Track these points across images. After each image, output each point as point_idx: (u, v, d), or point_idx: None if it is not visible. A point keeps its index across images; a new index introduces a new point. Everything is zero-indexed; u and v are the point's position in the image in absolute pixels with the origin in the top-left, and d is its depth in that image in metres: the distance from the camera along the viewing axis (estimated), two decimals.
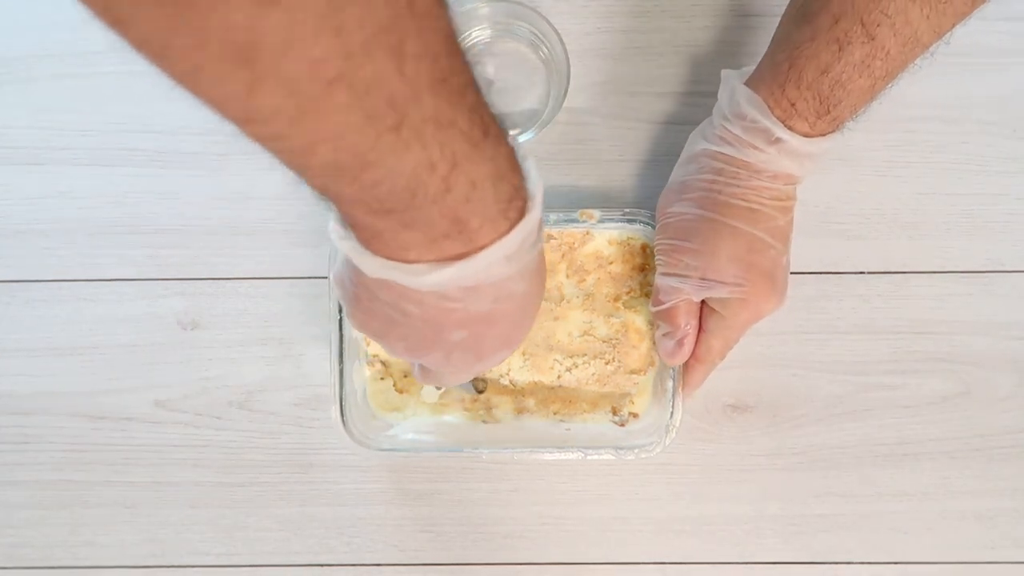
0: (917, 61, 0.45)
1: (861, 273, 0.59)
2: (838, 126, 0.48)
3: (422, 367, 0.44)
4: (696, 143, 0.52)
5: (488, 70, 0.58)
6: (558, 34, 0.54)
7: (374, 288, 0.36)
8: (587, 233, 0.57)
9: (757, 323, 0.52)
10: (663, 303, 0.52)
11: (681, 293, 0.51)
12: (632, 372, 0.57)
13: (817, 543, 0.59)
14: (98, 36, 0.63)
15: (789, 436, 0.59)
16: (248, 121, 0.26)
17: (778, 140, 0.47)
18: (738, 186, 0.49)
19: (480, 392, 0.57)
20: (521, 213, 0.33)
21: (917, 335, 0.59)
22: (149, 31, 0.22)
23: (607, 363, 0.57)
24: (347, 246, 0.33)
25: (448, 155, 0.29)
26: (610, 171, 0.59)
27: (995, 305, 0.59)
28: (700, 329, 0.52)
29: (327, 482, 0.60)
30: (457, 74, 0.28)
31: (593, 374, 0.57)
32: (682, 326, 0.52)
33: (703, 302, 0.52)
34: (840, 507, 0.59)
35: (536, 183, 0.34)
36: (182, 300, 0.59)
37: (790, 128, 0.47)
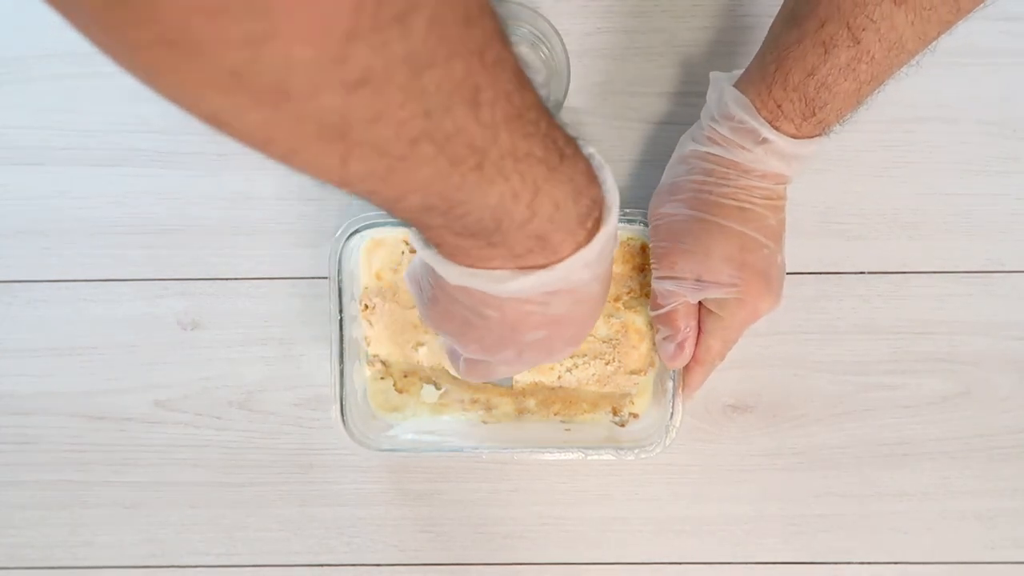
0: (903, 69, 0.46)
1: (861, 273, 0.59)
2: (824, 129, 0.48)
3: (468, 362, 0.45)
4: (685, 145, 0.52)
5: None
6: (558, 34, 0.54)
7: (453, 292, 0.37)
8: None
9: (755, 323, 0.52)
10: (661, 307, 0.52)
11: (678, 296, 0.51)
12: (632, 372, 0.57)
13: (817, 543, 0.59)
14: None
15: (789, 436, 0.59)
16: (343, 184, 0.27)
17: (765, 140, 0.47)
18: (727, 186, 0.49)
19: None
20: (598, 222, 0.34)
21: (917, 335, 0.59)
22: (251, 128, 0.24)
23: (607, 363, 0.57)
24: (428, 255, 0.35)
25: (530, 183, 0.30)
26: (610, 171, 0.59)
27: (995, 305, 0.59)
28: (699, 330, 0.53)
29: (327, 482, 0.60)
30: (529, 107, 0.29)
31: (593, 374, 0.57)
32: (681, 329, 0.52)
33: (700, 303, 0.52)
34: (840, 507, 0.59)
35: (612, 191, 0.35)
36: (182, 300, 0.59)
37: (777, 129, 0.47)
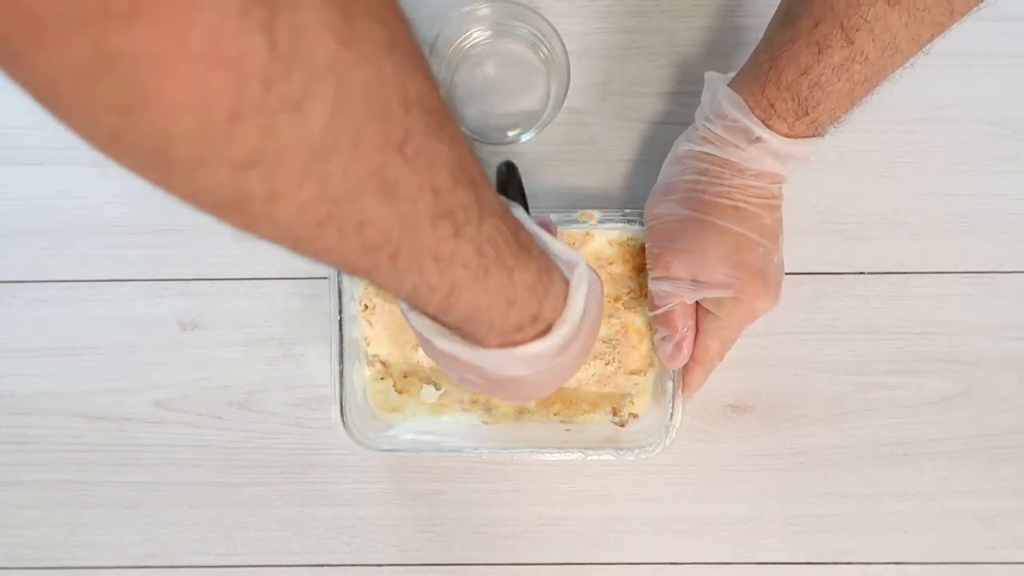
0: (898, 71, 0.46)
1: (861, 273, 0.59)
2: (818, 129, 0.48)
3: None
4: (680, 145, 0.52)
5: (488, 70, 0.58)
6: (558, 34, 0.54)
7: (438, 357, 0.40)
8: (587, 234, 0.57)
9: (754, 323, 0.52)
10: (658, 307, 0.52)
11: (674, 296, 0.51)
12: (632, 373, 0.57)
13: (817, 543, 0.59)
14: None
15: (789, 436, 0.59)
16: (261, 239, 0.28)
17: (758, 139, 0.47)
18: (722, 185, 0.49)
19: None
20: (543, 333, 0.36)
21: (917, 335, 0.59)
22: (154, 182, 0.25)
23: (607, 364, 0.57)
24: (422, 326, 0.36)
25: (447, 282, 0.30)
26: (610, 171, 0.59)
27: (995, 305, 0.59)
28: (697, 331, 0.53)
29: (327, 482, 0.60)
30: (465, 208, 0.29)
31: (593, 375, 0.57)
32: (679, 329, 0.52)
33: (698, 303, 0.52)
34: (840, 507, 0.59)
35: (575, 309, 0.37)
36: (182, 300, 0.59)
37: (770, 128, 0.47)
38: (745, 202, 0.49)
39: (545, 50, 0.57)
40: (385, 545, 0.60)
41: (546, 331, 0.36)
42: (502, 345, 0.35)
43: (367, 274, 0.30)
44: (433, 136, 0.26)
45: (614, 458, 0.55)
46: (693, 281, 0.50)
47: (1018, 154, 0.59)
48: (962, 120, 0.59)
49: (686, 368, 0.54)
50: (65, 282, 0.60)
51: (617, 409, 0.57)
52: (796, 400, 0.59)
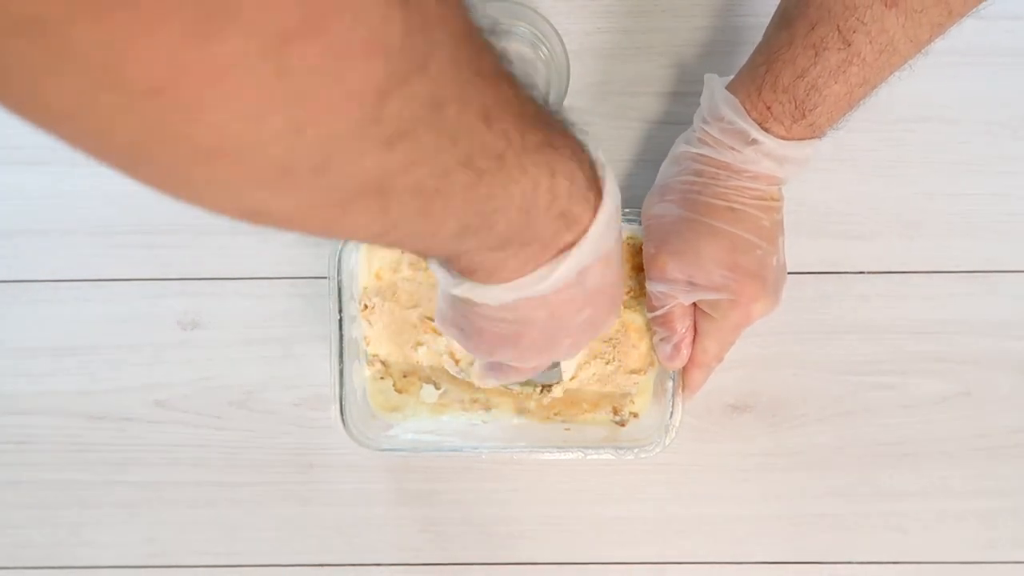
0: (896, 73, 0.46)
1: (861, 273, 0.59)
2: (816, 132, 0.48)
3: (496, 366, 0.47)
4: (677, 146, 0.52)
5: None
6: (558, 34, 0.54)
7: (497, 314, 0.37)
8: None
9: (755, 324, 0.52)
10: (656, 309, 0.52)
11: (671, 298, 0.51)
12: (632, 372, 0.57)
13: (817, 543, 0.59)
14: None
15: (789, 436, 0.59)
16: (384, 235, 0.28)
17: (754, 141, 0.47)
18: (718, 186, 0.49)
19: (550, 385, 0.57)
20: (600, 182, 0.35)
21: (917, 335, 0.59)
22: (289, 214, 0.25)
23: (607, 363, 0.57)
24: (465, 289, 0.35)
25: (545, 169, 0.31)
26: None
27: (995, 305, 0.59)
28: (695, 332, 0.53)
29: (327, 482, 0.60)
30: (523, 101, 0.29)
31: (593, 374, 0.57)
32: (677, 330, 0.52)
33: (695, 304, 0.52)
34: (840, 507, 0.59)
35: (597, 149, 0.35)
36: (182, 300, 0.59)
37: (767, 130, 0.47)
38: (741, 204, 0.49)
39: (545, 49, 0.57)
40: (385, 545, 0.60)
41: (600, 178, 0.35)
42: (592, 216, 0.34)
43: (484, 207, 0.29)
44: (488, 47, 0.27)
45: (614, 457, 0.55)
46: (689, 283, 0.50)
47: (1019, 154, 0.59)
48: (962, 120, 0.59)
49: (685, 369, 0.54)
50: (65, 282, 0.60)
51: (617, 408, 0.57)
52: (796, 400, 0.59)
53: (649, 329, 0.56)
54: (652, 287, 0.52)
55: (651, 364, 0.57)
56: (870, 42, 0.43)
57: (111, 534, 0.60)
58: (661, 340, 0.53)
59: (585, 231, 0.34)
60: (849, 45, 0.43)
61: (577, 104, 0.58)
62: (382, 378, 0.58)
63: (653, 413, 0.56)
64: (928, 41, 0.44)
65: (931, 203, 0.59)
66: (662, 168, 0.53)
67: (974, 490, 0.59)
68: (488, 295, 0.35)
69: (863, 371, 0.59)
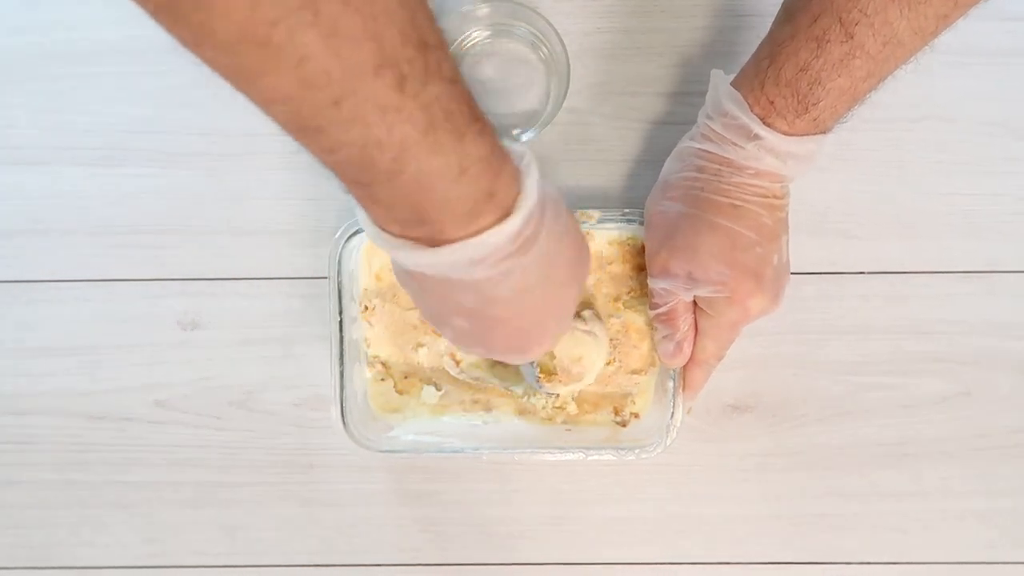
0: (903, 67, 0.45)
1: (861, 273, 0.59)
2: (820, 127, 0.47)
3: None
4: (681, 143, 0.52)
5: (488, 70, 0.58)
6: (558, 34, 0.54)
7: (425, 284, 0.39)
8: (587, 233, 0.57)
9: (752, 323, 0.52)
10: (658, 306, 0.52)
11: (672, 295, 0.51)
12: (633, 372, 0.57)
13: (817, 543, 0.59)
14: (98, 36, 0.63)
15: (789, 436, 0.59)
16: (213, 68, 0.28)
17: (757, 137, 0.47)
18: (720, 183, 0.49)
19: (545, 376, 0.55)
20: (498, 219, 0.34)
21: (917, 335, 0.59)
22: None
23: (608, 363, 0.57)
24: (371, 232, 0.36)
25: (396, 139, 0.30)
26: (610, 171, 0.59)
27: (995, 305, 0.59)
28: (696, 330, 0.53)
29: (327, 482, 0.60)
30: (411, 63, 0.29)
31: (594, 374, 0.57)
32: (680, 328, 0.52)
33: (696, 303, 0.52)
34: (840, 507, 0.59)
35: (530, 191, 0.35)
36: (182, 300, 0.59)
37: (769, 126, 0.47)
38: (743, 200, 0.49)
39: (545, 49, 0.57)
40: (385, 545, 0.60)
41: (501, 217, 0.35)
42: (459, 237, 0.34)
43: (316, 129, 0.30)
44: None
45: (615, 458, 0.55)
46: (688, 278, 0.50)
47: (1019, 154, 0.59)
48: (962, 119, 0.59)
49: (686, 368, 0.54)
50: (65, 282, 0.60)
51: (618, 409, 0.57)
52: (796, 400, 0.59)
53: (651, 328, 0.56)
54: (654, 284, 0.52)
55: (652, 364, 0.57)
56: (873, 34, 0.43)
57: (111, 534, 0.60)
58: (663, 338, 0.53)
59: (446, 244, 0.34)
60: (852, 38, 0.43)
61: (577, 104, 0.58)
62: (383, 379, 0.58)
63: (654, 413, 0.56)
64: (934, 33, 0.43)
65: (931, 203, 0.59)
66: (666, 164, 0.53)
67: (974, 490, 0.59)
68: (366, 226, 0.36)
69: (863, 371, 0.59)
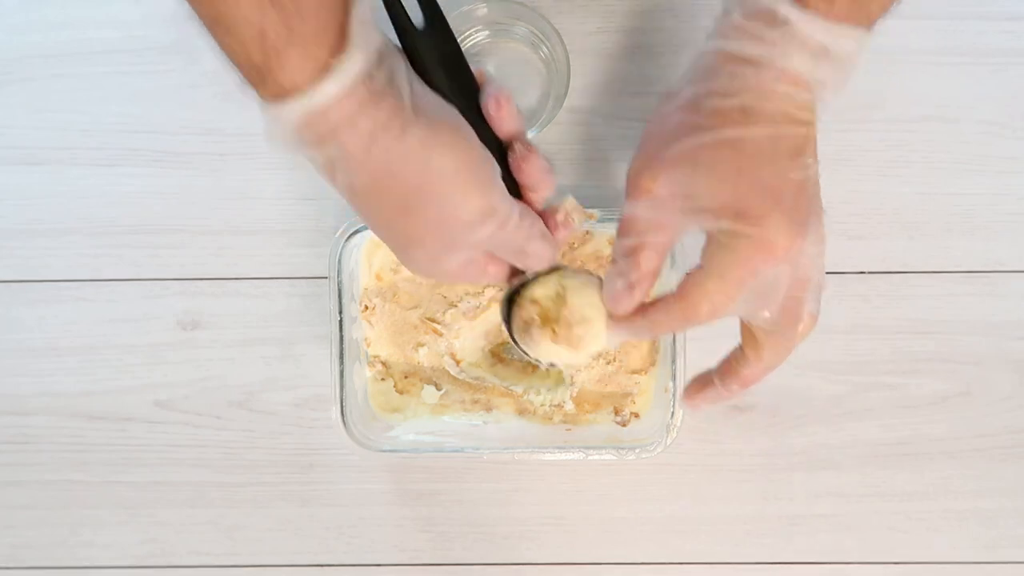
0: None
1: (861, 273, 0.59)
2: (863, 14, 0.36)
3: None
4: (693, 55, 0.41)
5: (488, 70, 0.58)
6: (558, 34, 0.54)
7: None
8: (587, 233, 0.57)
9: (778, 271, 0.37)
10: (628, 237, 0.40)
11: (654, 226, 0.39)
12: (633, 372, 0.57)
13: (817, 543, 0.59)
14: (98, 36, 0.62)
15: (789, 436, 0.59)
16: None
17: (784, 21, 0.36)
18: (733, 85, 0.37)
19: (543, 324, 0.44)
20: (337, 57, 0.33)
21: (917, 335, 0.59)
22: None
23: (608, 363, 0.57)
24: (266, 123, 0.34)
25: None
26: (610, 171, 0.59)
27: (995, 305, 0.59)
28: (687, 283, 0.39)
29: (327, 482, 0.60)
30: None
31: (595, 374, 0.57)
32: (640, 266, 0.39)
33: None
34: (840, 507, 0.59)
35: (364, 20, 0.34)
36: (182, 300, 0.59)
37: (803, 4, 0.36)
38: (760, 107, 0.37)
39: (545, 49, 0.57)
40: (385, 545, 0.60)
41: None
42: (310, 78, 0.32)
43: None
44: None
45: (615, 458, 0.55)
46: (682, 202, 0.38)
47: (1019, 154, 0.59)
48: (963, 120, 0.59)
49: (658, 308, 0.41)
50: (65, 282, 0.60)
51: (619, 408, 0.57)
52: (796, 400, 0.59)
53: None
54: (631, 209, 0.39)
55: (652, 364, 0.57)
56: None
57: (111, 534, 0.60)
58: (616, 274, 0.40)
59: (297, 91, 0.33)
60: None
61: (577, 104, 0.58)
62: (383, 379, 0.58)
63: (654, 413, 0.56)
64: None
65: (932, 203, 0.59)
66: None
67: (974, 490, 0.59)
68: (280, 114, 0.34)
69: (863, 371, 0.59)
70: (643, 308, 0.41)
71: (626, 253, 0.40)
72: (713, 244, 0.38)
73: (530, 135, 0.56)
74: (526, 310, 0.44)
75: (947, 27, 0.58)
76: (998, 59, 0.58)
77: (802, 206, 0.37)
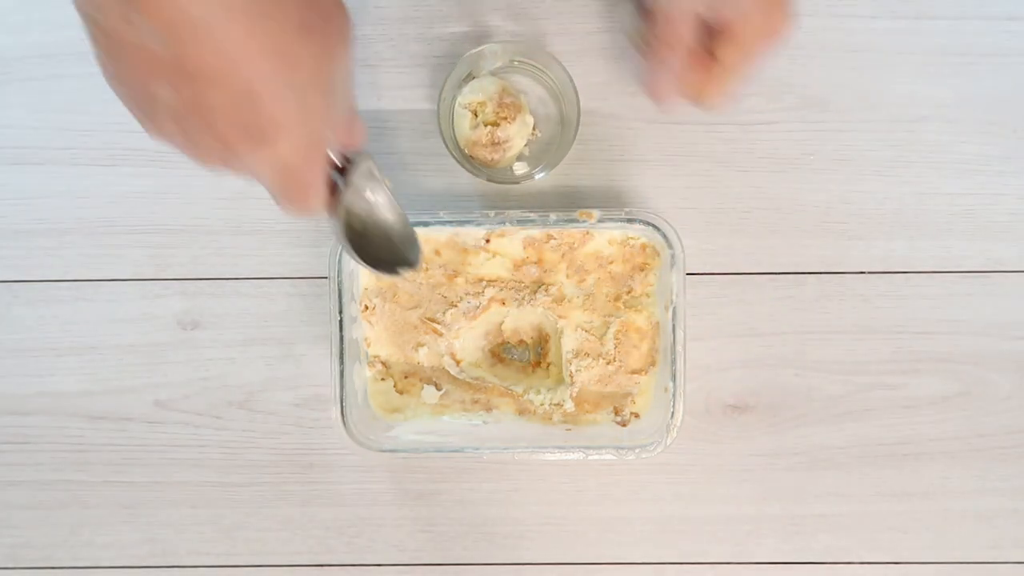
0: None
1: (861, 273, 0.59)
2: None
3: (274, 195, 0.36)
4: None
5: (528, 119, 0.58)
6: (566, 71, 0.54)
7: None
8: (587, 233, 0.57)
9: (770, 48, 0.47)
10: (663, 20, 0.46)
11: (681, 17, 0.46)
12: (633, 372, 0.57)
13: (817, 543, 0.59)
14: None
15: (789, 436, 0.59)
16: None
17: None
18: None
19: (389, 272, 0.45)
20: None
21: (917, 335, 0.59)
22: None
23: (608, 363, 0.57)
24: None
25: None
26: (610, 171, 0.59)
27: (995, 305, 0.59)
28: (709, 59, 0.48)
29: (327, 482, 0.60)
30: None
31: (595, 375, 0.57)
32: (680, 51, 0.47)
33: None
34: (840, 507, 0.59)
35: None
36: (182, 300, 0.59)
37: None
38: None
39: (550, 81, 0.57)
40: (385, 545, 0.60)
41: None
42: None
43: None
44: None
45: (615, 458, 0.55)
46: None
47: (1019, 154, 0.59)
48: (963, 120, 0.59)
49: (703, 80, 0.49)
50: (65, 282, 0.60)
51: (619, 408, 0.57)
52: (796, 400, 0.59)
53: (652, 327, 0.56)
54: (661, 3, 0.46)
55: (652, 364, 0.57)
56: None
57: (111, 534, 0.60)
58: (657, 64, 0.48)
59: None
60: None
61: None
62: (383, 379, 0.58)
63: (654, 413, 0.56)
64: None
65: (932, 203, 0.59)
66: None
67: (974, 490, 0.59)
68: None
69: (863, 371, 0.59)
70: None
71: (664, 41, 0.46)
72: (720, 36, 0.46)
73: (541, 175, 0.57)
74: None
75: (947, 27, 0.58)
76: (998, 59, 0.58)
77: None
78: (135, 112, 0.32)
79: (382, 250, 0.43)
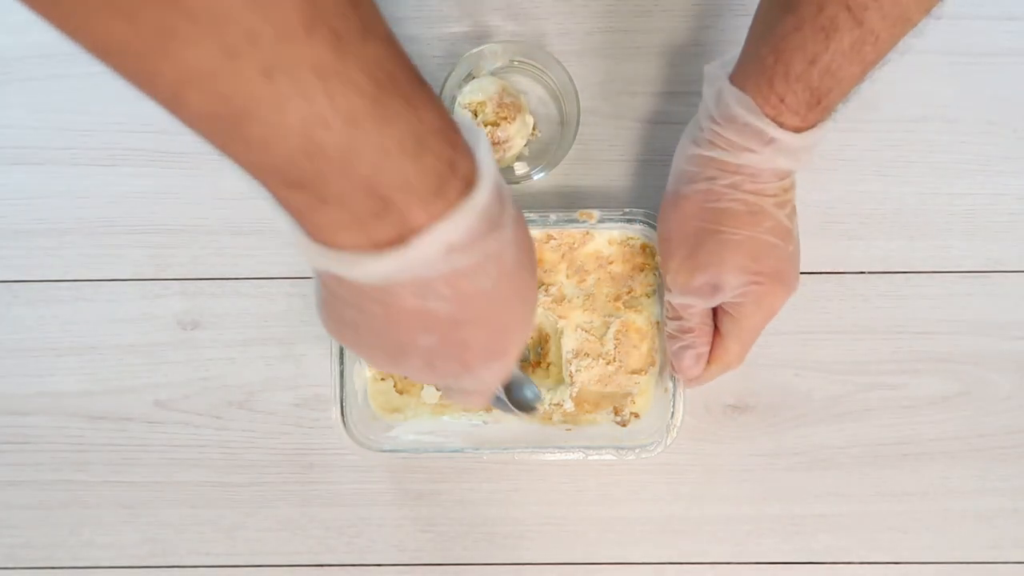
0: (907, 39, 0.43)
1: (861, 273, 0.59)
2: (828, 113, 0.45)
3: (446, 387, 0.42)
4: (686, 148, 0.50)
5: (528, 119, 0.58)
6: (567, 72, 0.54)
7: (333, 285, 0.33)
8: (587, 233, 0.57)
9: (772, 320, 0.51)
10: (680, 319, 0.52)
11: (695, 309, 0.51)
12: (633, 372, 0.57)
13: (817, 543, 0.59)
14: None
15: (789, 436, 0.59)
16: (102, 52, 0.24)
17: (772, 140, 0.45)
18: (735, 191, 0.48)
19: (530, 411, 0.52)
20: (463, 193, 0.29)
21: (917, 335, 0.59)
22: None
23: (608, 363, 0.57)
24: (284, 224, 0.30)
25: (343, 111, 0.25)
26: (610, 171, 0.59)
27: (995, 305, 0.59)
28: (716, 334, 0.52)
29: (327, 482, 0.60)
30: (344, 19, 0.25)
31: (595, 375, 0.57)
32: (703, 339, 0.52)
33: (717, 308, 0.52)
34: (840, 507, 0.59)
35: (487, 162, 0.30)
36: (182, 300, 0.59)
37: (781, 124, 0.45)
38: (760, 206, 0.48)
39: (550, 81, 0.57)
40: (385, 545, 0.60)
41: (465, 190, 0.29)
42: (427, 222, 0.29)
43: (243, 116, 0.25)
44: None
45: (615, 458, 0.55)
46: (714, 291, 0.49)
47: (1019, 154, 0.59)
48: (963, 119, 0.59)
49: (707, 369, 0.53)
50: (65, 282, 0.60)
51: (619, 409, 0.57)
52: (796, 400, 0.59)
53: (651, 327, 0.56)
54: (675, 299, 0.51)
55: (652, 364, 0.57)
56: (883, 17, 0.41)
57: (111, 534, 0.60)
58: (683, 348, 0.52)
59: (414, 233, 0.29)
60: (861, 24, 0.41)
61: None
62: (383, 379, 0.58)
63: (654, 413, 0.56)
64: (938, 1, 0.41)
65: (931, 203, 0.59)
66: (673, 172, 0.51)
67: (974, 490, 0.59)
68: (301, 245, 0.30)
69: (863, 371, 0.59)
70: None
71: (685, 331, 0.52)
72: (730, 317, 0.50)
73: (540, 175, 0.57)
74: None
75: (947, 27, 0.58)
76: (998, 59, 0.58)
77: (797, 269, 0.51)
78: (375, 359, 0.37)
79: (510, 393, 0.52)
